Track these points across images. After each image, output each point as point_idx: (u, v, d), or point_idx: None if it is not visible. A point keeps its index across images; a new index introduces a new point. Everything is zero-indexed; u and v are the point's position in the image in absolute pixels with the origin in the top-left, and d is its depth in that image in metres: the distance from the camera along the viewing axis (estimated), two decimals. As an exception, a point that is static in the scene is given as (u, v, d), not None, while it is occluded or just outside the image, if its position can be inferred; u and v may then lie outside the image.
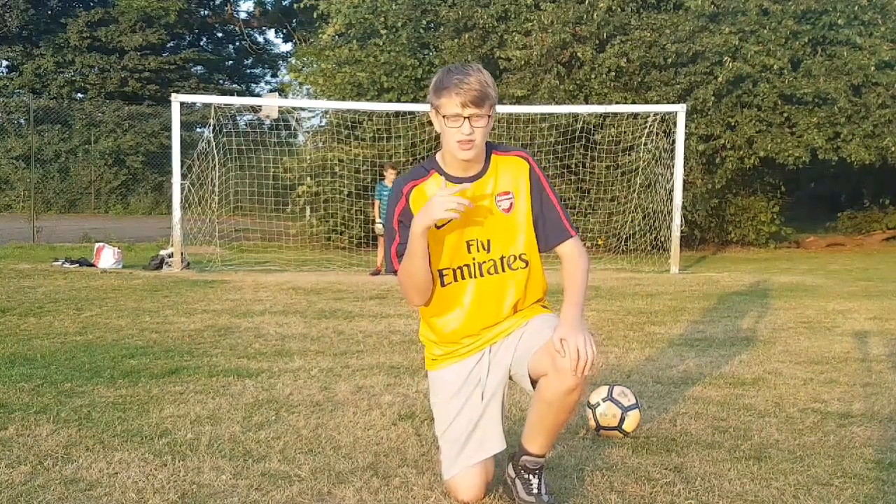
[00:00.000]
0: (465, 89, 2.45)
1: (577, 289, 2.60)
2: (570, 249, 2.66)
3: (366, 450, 3.18)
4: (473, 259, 2.64)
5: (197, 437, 3.30)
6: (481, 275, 2.65)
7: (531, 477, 2.60)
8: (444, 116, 2.51)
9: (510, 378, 2.76)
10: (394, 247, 2.65)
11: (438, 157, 2.68)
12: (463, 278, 2.66)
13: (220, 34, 33.75)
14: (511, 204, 2.62)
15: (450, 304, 2.69)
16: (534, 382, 2.61)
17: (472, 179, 2.61)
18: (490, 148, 2.65)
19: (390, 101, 13.85)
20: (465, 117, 2.48)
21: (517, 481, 2.62)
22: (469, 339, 2.72)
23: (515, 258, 2.66)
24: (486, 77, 2.50)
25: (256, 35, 34.12)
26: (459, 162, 2.58)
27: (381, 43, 14.30)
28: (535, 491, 2.58)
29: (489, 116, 2.52)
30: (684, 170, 11.55)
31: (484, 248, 2.64)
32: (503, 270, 2.66)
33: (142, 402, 3.82)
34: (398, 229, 2.63)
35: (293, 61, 21.47)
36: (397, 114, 13.04)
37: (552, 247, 2.66)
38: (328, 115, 15.11)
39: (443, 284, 2.66)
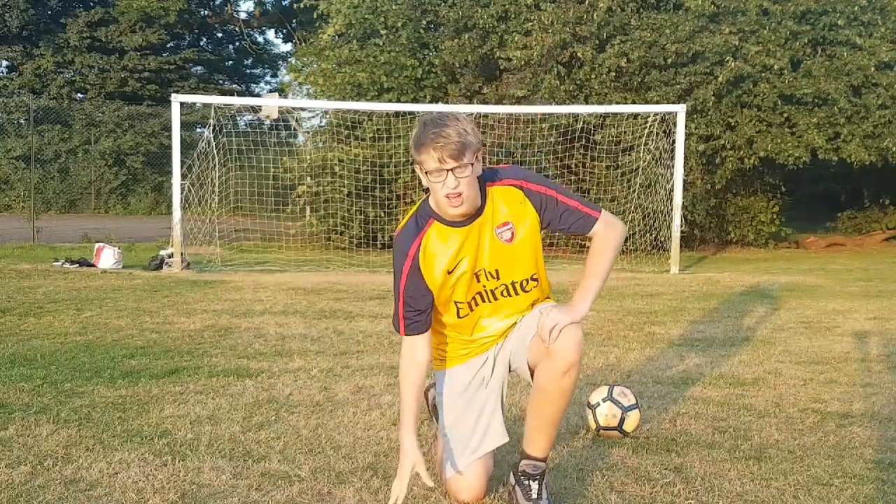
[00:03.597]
0: (441, 144, 2.42)
1: (591, 277, 2.62)
2: (598, 229, 2.66)
3: (366, 450, 3.18)
4: (484, 287, 2.66)
5: (197, 437, 3.30)
6: (495, 298, 2.67)
7: (531, 483, 2.58)
8: (426, 172, 2.49)
9: (511, 371, 2.78)
10: (401, 310, 2.64)
11: (432, 202, 2.62)
12: (477, 305, 2.69)
13: (220, 34, 33.72)
14: (512, 234, 2.61)
15: (466, 327, 2.74)
16: (532, 374, 2.64)
17: (471, 220, 2.59)
18: (484, 180, 2.60)
19: (390, 101, 13.83)
20: (448, 170, 2.45)
21: (517, 487, 2.61)
22: (482, 342, 2.75)
23: (527, 281, 2.68)
24: (463, 125, 2.45)
25: (256, 35, 34.10)
26: None
27: (381, 43, 14.29)
28: (534, 496, 2.56)
29: (473, 164, 2.49)
30: (684, 170, 11.54)
31: (493, 277, 2.65)
32: (516, 294, 2.69)
33: (142, 402, 3.83)
34: (404, 292, 2.62)
35: (293, 61, 21.46)
36: (397, 114, 13.03)
37: (586, 234, 2.68)
38: (328, 115, 15.09)
39: (459, 316, 2.70)
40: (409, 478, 2.51)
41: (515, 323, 2.74)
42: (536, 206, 2.62)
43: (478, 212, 2.60)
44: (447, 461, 2.70)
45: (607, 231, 2.65)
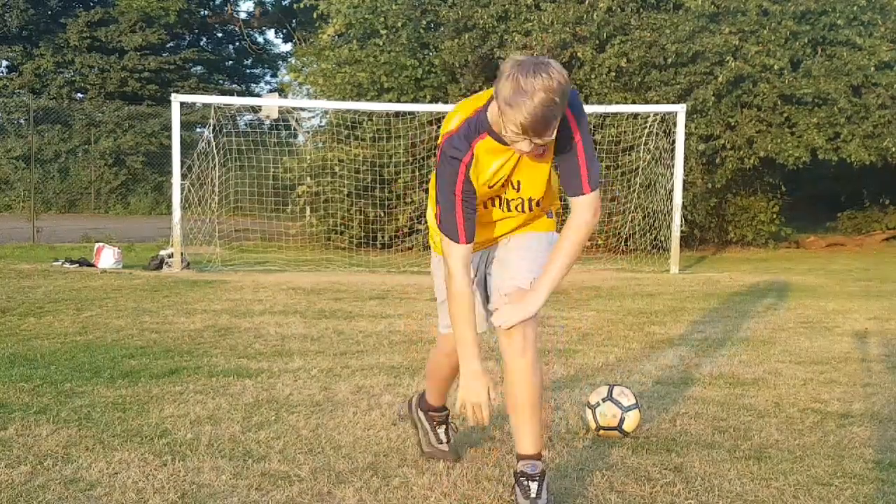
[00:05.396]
0: (529, 120, 2.29)
1: (552, 275, 2.59)
2: (578, 208, 2.58)
3: (366, 450, 3.18)
4: (504, 195, 2.66)
5: (197, 437, 3.30)
6: (509, 210, 2.68)
7: (529, 483, 2.58)
8: (506, 120, 2.37)
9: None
10: (460, 214, 2.54)
11: (492, 115, 2.49)
12: (493, 206, 2.69)
13: (220, 34, 33.70)
14: (544, 151, 2.52)
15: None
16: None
17: None
18: None
19: (390, 101, 13.84)
20: (525, 138, 2.35)
21: (516, 488, 2.61)
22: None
23: (539, 201, 2.68)
24: (554, 97, 2.29)
25: (256, 35, 34.10)
26: None
27: (381, 43, 14.30)
28: (533, 495, 2.57)
29: (556, 126, 2.38)
30: (684, 170, 11.55)
31: (514, 188, 2.64)
32: (529, 210, 2.69)
33: (142, 402, 3.83)
34: (462, 196, 2.53)
35: (293, 61, 21.46)
36: (397, 114, 13.03)
37: (570, 197, 2.61)
38: (328, 115, 15.10)
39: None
40: (486, 398, 2.60)
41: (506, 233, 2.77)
42: (561, 131, 2.50)
43: None
44: (439, 320, 2.90)
45: (578, 220, 2.57)
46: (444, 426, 3.12)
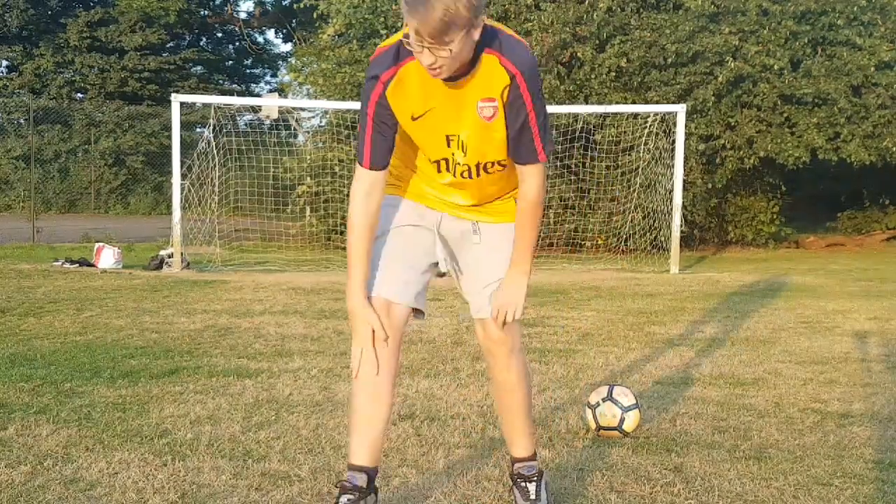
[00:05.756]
0: (419, 18, 2.03)
1: (524, 245, 2.47)
2: (529, 174, 2.41)
3: (366, 450, 3.18)
4: (452, 155, 2.42)
5: (197, 437, 3.30)
6: (455, 175, 2.45)
7: (527, 484, 2.56)
8: (406, 34, 2.14)
9: (443, 270, 2.66)
10: (368, 133, 2.34)
11: None
12: (445, 171, 2.46)
13: (219, 34, 33.74)
14: (494, 112, 2.31)
15: (428, 174, 2.51)
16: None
17: (455, 78, 2.24)
18: (485, 44, 2.21)
19: (390, 101, 13.84)
20: (425, 46, 2.09)
21: (514, 490, 2.60)
22: (435, 196, 2.55)
23: (493, 164, 2.43)
24: (455, 3, 2.02)
25: (256, 35, 34.13)
26: None
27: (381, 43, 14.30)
28: (532, 497, 2.55)
29: (459, 39, 2.08)
30: (684, 170, 11.56)
31: (461, 150, 2.38)
32: (478, 175, 2.45)
33: (142, 402, 3.82)
34: (373, 115, 2.32)
35: (293, 61, 21.47)
36: (397, 114, 13.03)
37: (518, 164, 2.42)
38: (328, 115, 15.10)
39: (431, 160, 2.47)
40: (370, 340, 2.36)
41: (470, 217, 2.55)
42: (511, 102, 2.29)
43: (461, 73, 2.23)
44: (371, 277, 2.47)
45: (533, 192, 2.42)
46: (346, 496, 2.38)
